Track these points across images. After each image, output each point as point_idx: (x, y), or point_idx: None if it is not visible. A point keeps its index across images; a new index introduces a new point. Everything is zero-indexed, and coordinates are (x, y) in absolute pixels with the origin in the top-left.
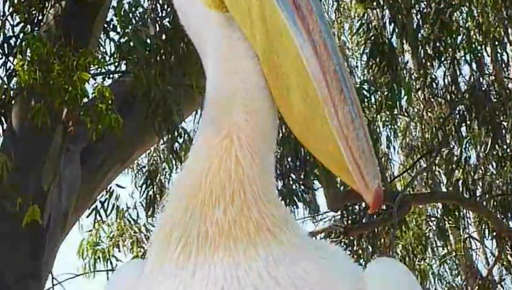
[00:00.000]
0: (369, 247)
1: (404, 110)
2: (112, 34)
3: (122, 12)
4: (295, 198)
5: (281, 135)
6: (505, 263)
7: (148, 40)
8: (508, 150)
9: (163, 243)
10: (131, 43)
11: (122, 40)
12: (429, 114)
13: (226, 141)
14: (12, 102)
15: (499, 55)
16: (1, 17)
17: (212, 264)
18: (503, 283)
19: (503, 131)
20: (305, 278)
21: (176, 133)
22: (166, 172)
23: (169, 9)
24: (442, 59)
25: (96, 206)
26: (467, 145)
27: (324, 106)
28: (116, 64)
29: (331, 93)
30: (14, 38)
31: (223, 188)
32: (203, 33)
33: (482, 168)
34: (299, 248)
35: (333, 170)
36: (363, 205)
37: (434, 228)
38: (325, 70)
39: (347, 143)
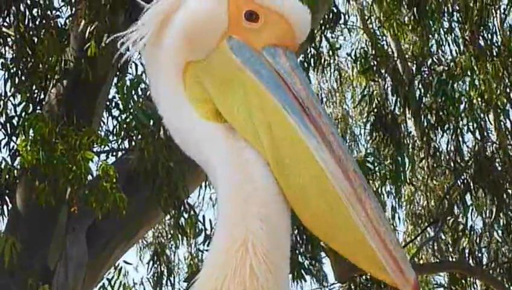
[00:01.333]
0: None
1: (408, 179)
2: (115, 111)
3: (124, 89)
4: (303, 271)
5: None
6: None
7: (154, 114)
8: None
9: None
10: (133, 122)
11: (124, 116)
12: (434, 182)
13: (241, 250)
14: (17, 182)
15: (502, 123)
16: (3, 97)
17: None
18: None
19: (508, 198)
20: None
21: (181, 209)
22: (172, 246)
23: None
24: (445, 128)
25: (104, 284)
26: (472, 213)
27: (350, 203)
28: (120, 141)
29: (356, 190)
30: (16, 118)
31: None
32: (204, 146)
33: (488, 235)
34: None
35: (364, 265)
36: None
37: None
38: (345, 169)
39: (380, 237)
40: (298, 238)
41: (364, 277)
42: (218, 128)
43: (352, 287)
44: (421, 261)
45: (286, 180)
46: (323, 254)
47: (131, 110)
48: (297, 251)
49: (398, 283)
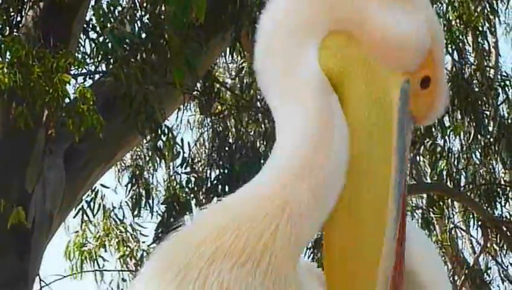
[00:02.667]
0: None
1: None
2: (92, 34)
3: (100, 12)
4: None
5: None
6: (490, 251)
7: (127, 39)
8: (491, 139)
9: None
10: (110, 43)
11: (101, 39)
12: None
13: (274, 207)
14: None
15: (480, 44)
16: None
17: None
18: (489, 271)
19: (486, 120)
20: None
21: (159, 132)
22: (150, 169)
23: (148, 6)
24: None
25: (83, 206)
26: (450, 135)
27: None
28: (97, 64)
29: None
30: None
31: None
32: (299, 94)
33: (466, 157)
34: None
35: None
36: None
37: (419, 218)
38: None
39: None
40: None
41: None
42: (326, 83)
43: None
44: None
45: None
46: None
47: (105, 34)
48: None
49: None
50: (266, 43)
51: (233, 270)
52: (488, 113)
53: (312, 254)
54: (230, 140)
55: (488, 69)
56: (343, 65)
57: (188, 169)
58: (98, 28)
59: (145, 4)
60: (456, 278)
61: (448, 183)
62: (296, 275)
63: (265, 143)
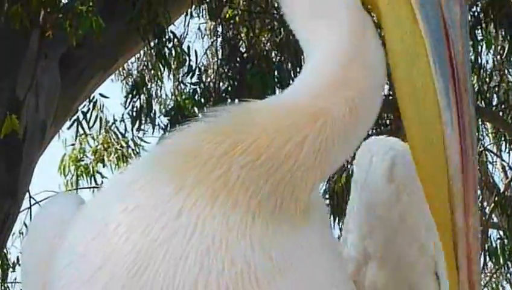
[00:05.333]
0: None
1: None
2: None
3: None
4: None
5: None
6: None
7: None
8: None
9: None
10: None
11: None
12: None
13: (305, 117)
14: None
15: None
16: None
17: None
18: None
19: None
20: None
21: (165, 38)
22: (156, 80)
23: None
24: None
25: (78, 117)
26: (482, 49)
27: (455, 202)
28: None
29: (466, 191)
30: None
31: (267, 147)
32: (333, 4)
33: (499, 74)
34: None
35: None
36: None
37: None
38: (466, 168)
39: (468, 254)
40: None
41: None
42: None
43: None
44: None
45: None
46: None
47: None
48: None
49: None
50: None
51: (244, 168)
52: None
53: None
54: (242, 49)
55: None
56: None
57: (195, 79)
58: None
59: None
60: (485, 204)
61: (479, 102)
62: (310, 193)
63: (279, 53)
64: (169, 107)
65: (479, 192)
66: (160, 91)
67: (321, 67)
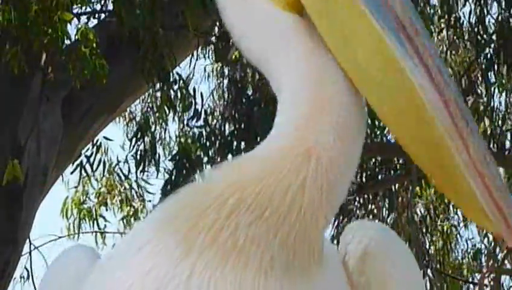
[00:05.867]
0: (386, 205)
1: None
2: None
3: None
4: None
5: None
6: None
7: None
8: None
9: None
10: None
11: None
12: (453, 57)
13: (298, 157)
14: None
15: None
16: None
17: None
18: None
19: None
20: None
21: (170, 80)
22: (160, 122)
23: None
24: None
25: (82, 161)
26: (495, 92)
27: (449, 140)
28: (102, 2)
29: (457, 124)
30: None
31: (270, 200)
32: (274, 41)
33: None
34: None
35: (464, 210)
36: (379, 159)
37: None
38: (446, 99)
39: (483, 182)
40: None
41: (372, 161)
42: (297, 21)
43: (359, 171)
44: None
45: (374, 100)
46: None
47: None
48: None
49: (503, 235)
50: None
51: (252, 226)
52: None
53: None
54: (248, 91)
55: None
56: None
57: (201, 122)
58: None
59: None
60: (497, 250)
61: (491, 145)
62: (322, 239)
63: None
64: (174, 151)
65: (491, 238)
66: (165, 133)
67: (298, 101)
